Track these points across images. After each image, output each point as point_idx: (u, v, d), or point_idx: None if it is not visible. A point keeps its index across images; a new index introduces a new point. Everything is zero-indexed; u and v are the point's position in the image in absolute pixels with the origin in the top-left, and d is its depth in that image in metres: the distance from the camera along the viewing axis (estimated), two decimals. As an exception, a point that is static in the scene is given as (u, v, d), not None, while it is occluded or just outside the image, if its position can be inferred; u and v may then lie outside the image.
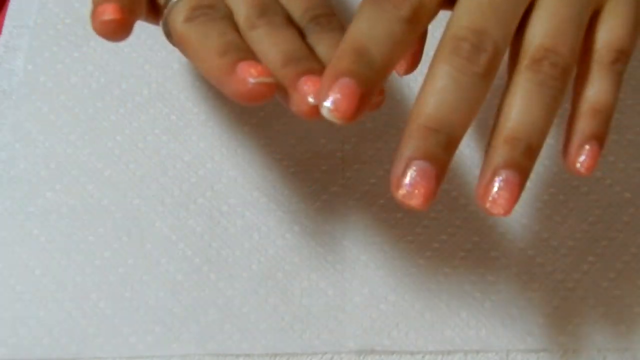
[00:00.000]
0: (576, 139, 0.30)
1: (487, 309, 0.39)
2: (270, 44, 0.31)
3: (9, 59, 0.46)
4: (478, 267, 0.40)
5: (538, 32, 0.29)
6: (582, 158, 0.30)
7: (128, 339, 0.38)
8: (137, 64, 0.46)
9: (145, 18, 0.34)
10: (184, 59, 0.46)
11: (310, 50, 0.32)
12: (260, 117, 0.44)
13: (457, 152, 0.28)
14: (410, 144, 0.27)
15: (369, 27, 0.28)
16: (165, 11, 0.32)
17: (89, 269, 0.40)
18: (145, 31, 0.47)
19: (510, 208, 0.27)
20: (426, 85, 0.27)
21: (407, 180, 0.27)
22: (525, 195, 0.42)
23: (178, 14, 0.32)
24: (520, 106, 0.28)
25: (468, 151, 0.43)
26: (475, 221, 0.41)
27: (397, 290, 0.39)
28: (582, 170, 0.30)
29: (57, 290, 0.39)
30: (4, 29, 0.48)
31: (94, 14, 0.30)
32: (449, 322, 0.38)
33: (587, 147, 0.30)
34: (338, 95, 0.27)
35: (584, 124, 0.30)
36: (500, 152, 0.28)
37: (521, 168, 0.28)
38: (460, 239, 0.40)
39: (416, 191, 0.26)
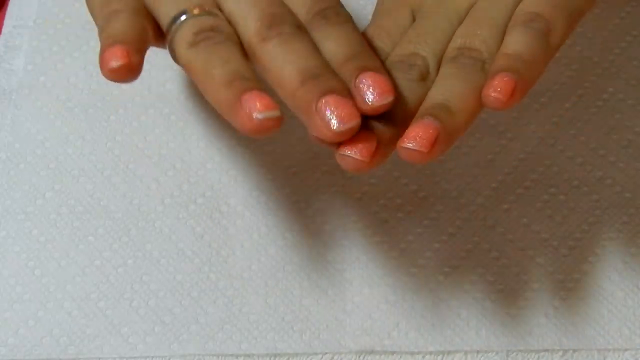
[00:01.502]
0: (490, 75, 0.30)
1: (487, 309, 0.39)
2: (285, 60, 0.30)
3: (9, 59, 0.46)
4: (478, 267, 0.40)
5: (455, 37, 0.32)
6: (494, 86, 0.29)
7: (128, 339, 0.38)
8: (137, 63, 0.46)
9: (153, 44, 0.33)
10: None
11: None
12: (260, 117, 0.44)
13: (457, 152, 0.28)
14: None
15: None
16: (169, 36, 0.31)
17: (88, 269, 0.40)
18: (145, 31, 0.47)
19: (428, 144, 0.29)
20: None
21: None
22: (525, 194, 0.42)
23: (181, 39, 0.31)
24: (439, 83, 0.31)
25: (467, 149, 0.43)
26: (475, 221, 0.41)
27: (397, 290, 0.39)
28: (498, 95, 0.29)
29: (57, 290, 0.39)
30: (4, 29, 0.48)
31: (102, 60, 0.30)
32: (449, 322, 0.38)
33: (497, 77, 0.29)
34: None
35: (496, 64, 0.30)
36: (420, 113, 0.30)
37: (440, 118, 0.29)
38: (460, 239, 0.40)
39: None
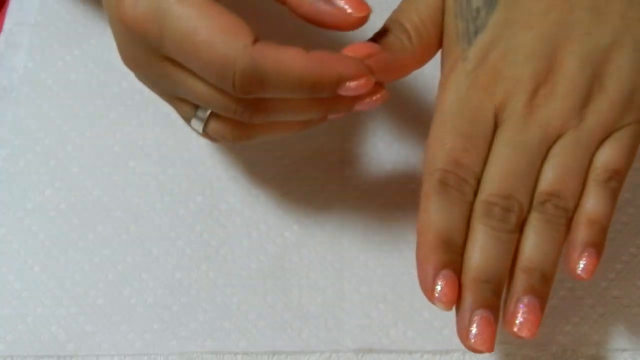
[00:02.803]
0: (575, 247, 0.32)
1: (486, 309, 0.39)
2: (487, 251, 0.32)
3: (10, 56, 0.46)
4: (477, 267, 0.40)
5: (543, 181, 0.33)
6: (581, 264, 0.32)
7: (126, 336, 0.38)
8: (137, 61, 0.46)
9: None
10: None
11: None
12: (260, 116, 0.44)
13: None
14: (469, 296, 0.31)
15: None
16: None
17: (87, 266, 0.40)
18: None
19: (534, 330, 0.31)
20: (471, 243, 0.32)
21: (474, 329, 0.31)
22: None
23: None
24: (531, 240, 0.32)
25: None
26: (474, 220, 0.41)
27: (396, 289, 0.39)
28: (583, 275, 0.32)
29: (56, 287, 0.40)
30: (5, 26, 0.48)
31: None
32: (448, 322, 0.38)
33: (585, 254, 0.32)
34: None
35: (582, 234, 0.32)
36: (520, 280, 0.32)
37: (539, 293, 0.31)
38: (459, 238, 0.40)
39: (484, 336, 0.31)
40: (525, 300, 0.31)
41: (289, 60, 0.30)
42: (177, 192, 0.42)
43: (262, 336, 0.38)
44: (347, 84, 0.31)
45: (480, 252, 0.32)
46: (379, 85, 0.32)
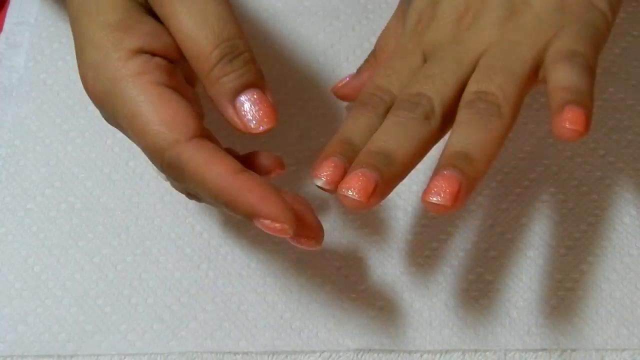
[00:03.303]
0: (555, 111, 0.30)
1: (486, 309, 0.39)
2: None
3: (10, 56, 0.46)
4: (476, 267, 0.40)
5: (470, 83, 0.33)
6: (569, 118, 0.29)
7: (126, 336, 0.38)
8: (137, 61, 0.46)
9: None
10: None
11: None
12: (260, 116, 0.44)
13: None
14: (355, 162, 0.31)
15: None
16: None
17: (87, 266, 0.40)
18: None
19: (450, 199, 0.29)
20: (377, 132, 0.32)
21: (347, 182, 0.30)
22: (525, 194, 0.42)
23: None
24: (457, 132, 0.31)
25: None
26: (474, 221, 0.41)
27: (396, 289, 0.39)
28: (572, 126, 0.29)
29: (56, 287, 0.40)
30: (5, 26, 0.48)
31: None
32: (447, 322, 0.38)
33: (567, 109, 0.30)
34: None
35: (558, 97, 0.30)
36: (441, 162, 0.31)
37: (460, 169, 0.30)
38: (459, 238, 0.40)
39: (357, 189, 0.30)
40: (445, 172, 0.30)
41: (210, 174, 0.31)
42: (177, 192, 0.42)
43: (262, 336, 0.38)
44: (261, 220, 0.30)
45: (380, 133, 0.32)
46: (311, 234, 0.32)
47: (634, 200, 0.41)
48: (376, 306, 0.39)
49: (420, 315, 0.39)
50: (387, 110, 0.33)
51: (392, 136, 0.32)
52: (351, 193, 0.30)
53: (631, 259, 0.40)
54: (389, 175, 0.31)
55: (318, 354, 0.38)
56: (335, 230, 0.41)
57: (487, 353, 0.38)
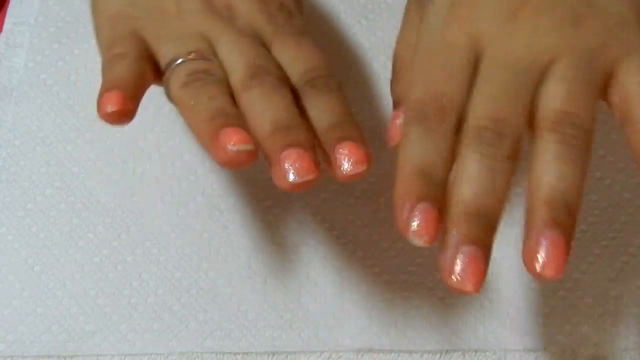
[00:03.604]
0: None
1: (486, 308, 0.39)
2: (261, 109, 0.31)
3: (10, 56, 0.47)
4: (477, 267, 0.40)
5: (553, 99, 0.29)
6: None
7: (126, 336, 0.38)
8: (137, 61, 0.46)
9: (152, 83, 0.34)
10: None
11: (303, 115, 0.32)
12: (260, 116, 0.44)
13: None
14: (455, 231, 0.27)
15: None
16: (165, 76, 0.33)
17: (87, 266, 0.40)
18: (145, 29, 0.47)
19: (560, 268, 0.27)
20: (459, 173, 0.28)
21: (458, 267, 0.27)
22: (525, 194, 0.42)
23: (175, 79, 0.33)
24: (548, 165, 0.28)
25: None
26: (474, 220, 0.41)
27: (395, 288, 0.39)
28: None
29: (56, 287, 0.40)
30: (5, 26, 0.48)
31: (99, 103, 0.31)
32: (447, 321, 0.38)
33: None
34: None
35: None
36: (541, 213, 0.28)
37: (563, 226, 0.27)
38: (459, 238, 0.40)
39: (469, 276, 0.27)
40: (549, 234, 0.27)
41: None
42: (177, 192, 0.42)
43: (262, 336, 0.38)
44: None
45: (469, 182, 0.28)
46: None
47: (634, 200, 0.41)
48: (376, 306, 0.39)
49: (420, 315, 0.39)
50: (458, 124, 0.29)
51: (482, 188, 0.28)
52: (459, 278, 0.27)
53: (631, 258, 0.40)
54: (489, 242, 0.28)
55: (318, 354, 0.38)
56: (335, 230, 0.41)
57: (487, 353, 0.38)
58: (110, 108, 0.31)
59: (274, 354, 0.38)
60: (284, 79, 0.33)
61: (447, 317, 0.39)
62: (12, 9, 0.48)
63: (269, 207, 0.42)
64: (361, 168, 0.30)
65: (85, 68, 0.46)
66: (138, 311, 0.39)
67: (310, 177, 0.29)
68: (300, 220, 0.41)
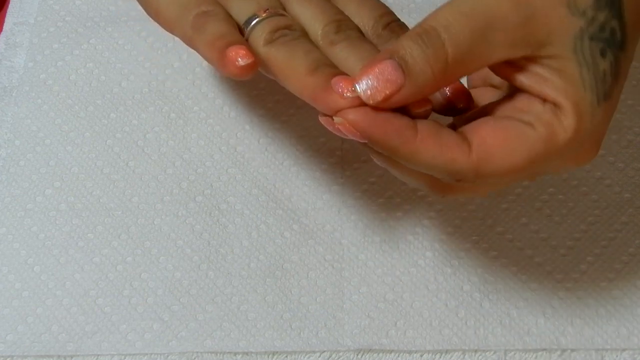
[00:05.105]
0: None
1: (486, 309, 0.39)
2: (356, 59, 0.32)
3: (10, 56, 0.46)
4: (477, 267, 0.40)
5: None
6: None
7: (126, 336, 0.38)
8: (137, 62, 0.46)
9: None
10: (184, 57, 0.46)
11: None
12: (260, 115, 0.44)
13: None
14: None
15: None
16: (245, 36, 0.33)
17: (87, 266, 0.40)
18: (145, 29, 0.47)
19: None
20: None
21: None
22: (524, 194, 0.42)
23: (257, 38, 0.32)
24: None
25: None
26: (474, 220, 0.41)
27: (396, 289, 0.39)
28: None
29: (56, 287, 0.40)
30: (5, 26, 0.48)
31: (225, 60, 0.31)
32: (447, 322, 0.38)
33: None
34: None
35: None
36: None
37: None
38: (459, 238, 0.40)
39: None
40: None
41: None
42: (177, 192, 0.42)
43: (262, 336, 0.38)
44: None
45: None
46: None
47: (633, 200, 0.41)
48: (376, 306, 0.39)
49: (420, 315, 0.39)
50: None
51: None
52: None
53: (631, 258, 0.40)
54: None
55: (318, 354, 0.38)
56: (335, 231, 0.41)
57: (487, 353, 0.38)
58: (243, 61, 0.30)
59: (273, 353, 0.38)
60: (363, 33, 0.34)
61: (447, 317, 0.39)
62: (12, 9, 0.48)
63: (269, 207, 0.42)
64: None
65: (85, 68, 0.46)
66: (138, 311, 0.39)
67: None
68: (300, 221, 0.41)
